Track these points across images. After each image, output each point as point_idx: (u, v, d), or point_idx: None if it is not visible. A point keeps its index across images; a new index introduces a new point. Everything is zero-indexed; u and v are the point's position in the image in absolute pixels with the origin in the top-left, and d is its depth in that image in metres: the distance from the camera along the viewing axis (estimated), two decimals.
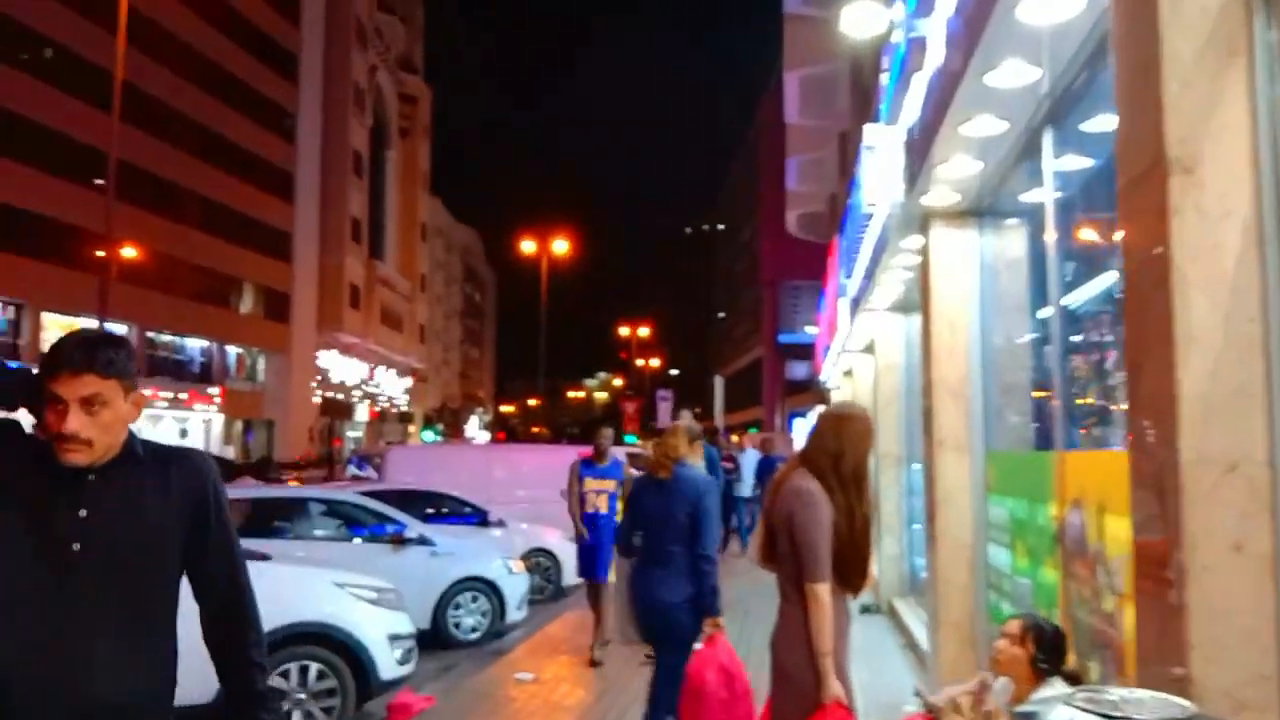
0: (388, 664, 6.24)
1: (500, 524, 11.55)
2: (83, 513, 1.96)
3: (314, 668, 6.03)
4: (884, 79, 7.28)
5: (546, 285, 43.20)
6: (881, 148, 6.88)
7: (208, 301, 43.73)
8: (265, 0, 48.15)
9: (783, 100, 22.82)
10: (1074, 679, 3.24)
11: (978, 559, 6.02)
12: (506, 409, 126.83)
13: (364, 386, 62.11)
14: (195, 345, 44.47)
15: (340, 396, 57.95)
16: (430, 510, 11.34)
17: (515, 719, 6.19)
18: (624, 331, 71.93)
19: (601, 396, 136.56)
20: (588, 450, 8.26)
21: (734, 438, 28.42)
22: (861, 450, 3.26)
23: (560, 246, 44.03)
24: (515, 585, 9.46)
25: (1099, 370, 4.57)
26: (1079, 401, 4.63)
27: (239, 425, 47.91)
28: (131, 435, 2.07)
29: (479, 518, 11.62)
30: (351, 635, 6.12)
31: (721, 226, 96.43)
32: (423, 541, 9.04)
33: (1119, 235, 2.91)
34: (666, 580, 4.62)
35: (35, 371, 1.98)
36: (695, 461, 4.97)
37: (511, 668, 7.56)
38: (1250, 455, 2.43)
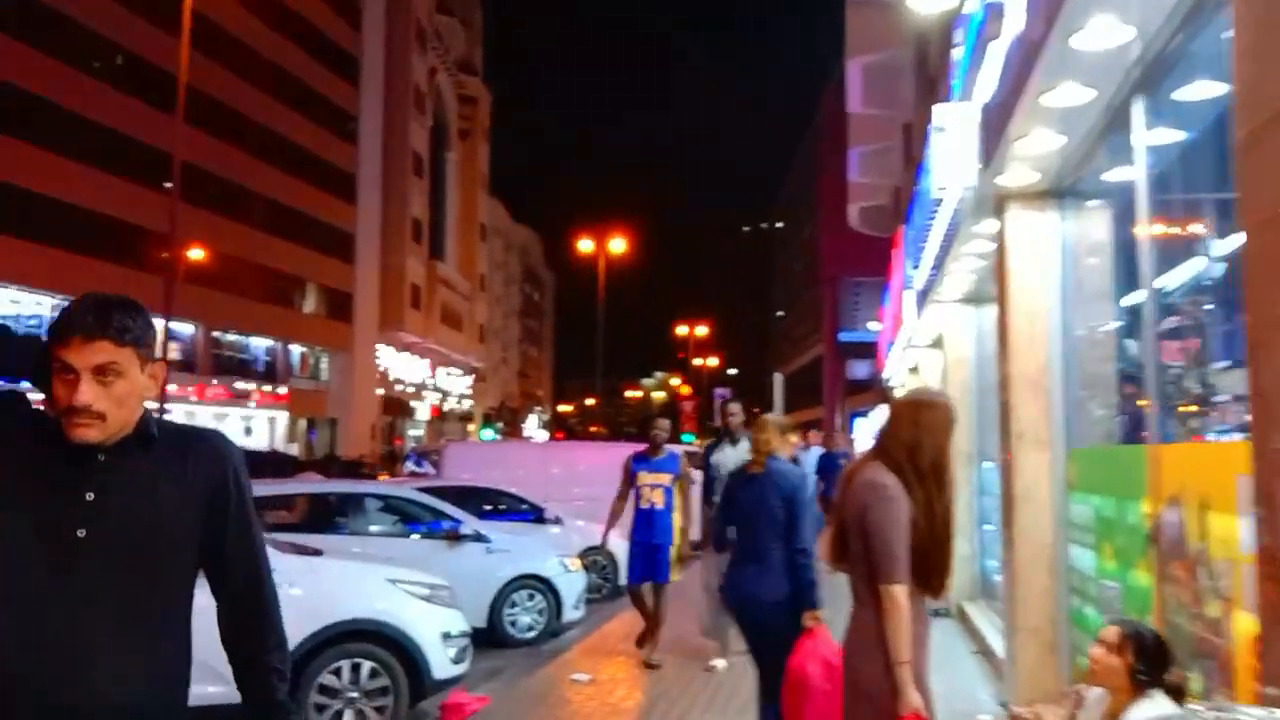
0: (441, 663, 6.10)
1: (557, 521, 11.41)
2: (90, 495, 1.78)
3: (366, 666, 5.91)
4: (956, 54, 6.94)
5: (604, 285, 43.16)
6: (953, 127, 6.55)
7: (272, 301, 44.48)
8: (327, 4, 48.84)
9: (844, 91, 22.40)
10: (1177, 692, 2.95)
11: (1059, 560, 5.68)
12: (565, 408, 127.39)
13: (424, 385, 62.71)
14: (260, 344, 45.26)
15: (401, 395, 58.57)
16: (487, 507, 11.24)
17: None
18: (682, 331, 71.76)
19: (659, 396, 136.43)
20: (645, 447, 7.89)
21: (792, 437, 27.85)
22: (941, 440, 2.99)
23: (618, 246, 43.97)
24: (572, 584, 9.28)
25: (1198, 357, 4.23)
26: (1176, 392, 4.30)
27: (303, 423, 48.65)
28: (147, 413, 1.88)
29: (535, 515, 11.49)
30: (404, 633, 5.99)
31: (780, 224, 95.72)
32: (478, 538, 8.91)
33: (1234, 196, 2.61)
34: (764, 578, 4.55)
35: (43, 339, 1.80)
36: (787, 455, 4.95)
37: (567, 668, 7.37)
38: None
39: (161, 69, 29.96)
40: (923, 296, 10.88)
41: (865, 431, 32.39)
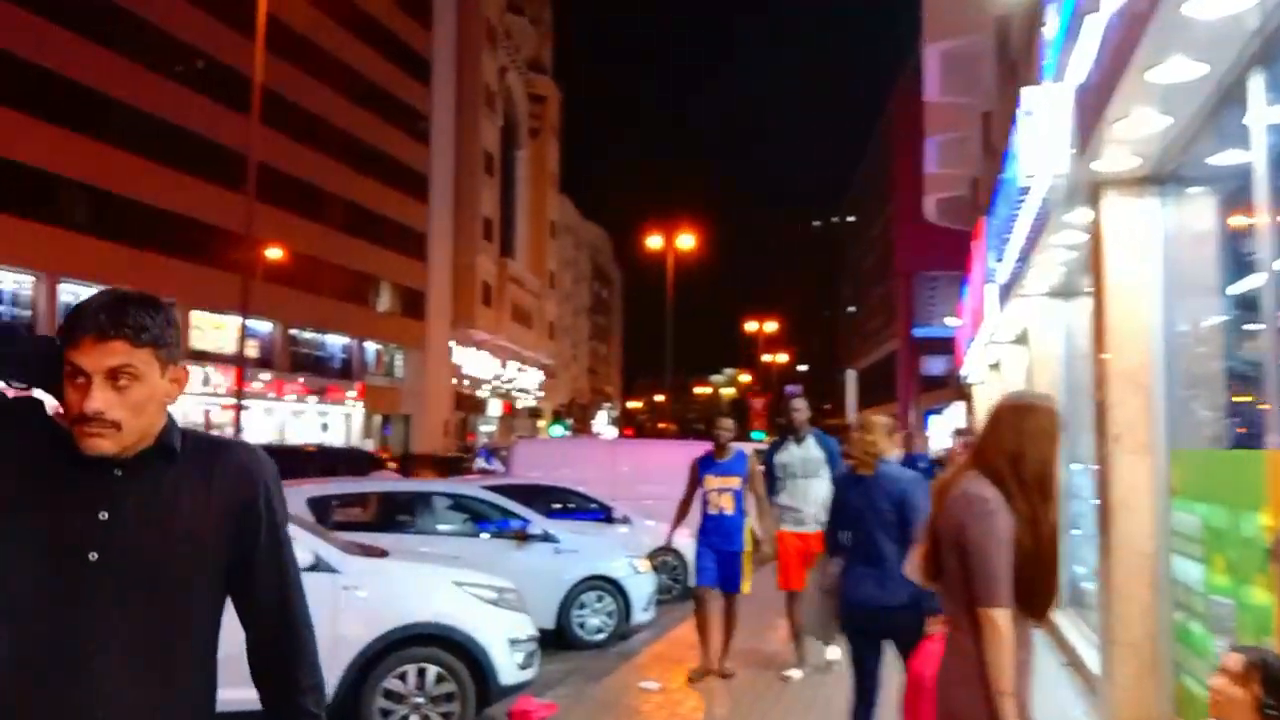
0: (508, 668, 5.96)
1: (626, 521, 11.23)
2: (104, 515, 1.60)
3: (432, 670, 5.79)
4: (1046, 33, 6.57)
5: (673, 281, 42.92)
6: (1042, 111, 6.18)
7: (347, 299, 45.24)
8: (398, 5, 49.47)
9: (919, 81, 21.81)
10: None
11: (1160, 572, 5.30)
12: (634, 405, 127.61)
13: (496, 382, 63.27)
14: (336, 342, 46.08)
15: (473, 392, 59.17)
16: (555, 505, 11.12)
17: None
18: (751, 327, 71.16)
19: (728, 393, 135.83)
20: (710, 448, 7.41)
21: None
22: (1047, 449, 2.72)
23: (686, 242, 43.70)
24: (641, 585, 9.10)
25: None
26: None
27: (378, 419, 49.43)
28: (171, 423, 1.70)
29: (604, 514, 11.34)
30: (471, 638, 5.86)
31: (851, 219, 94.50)
32: (546, 538, 8.78)
33: None
34: (883, 582, 4.41)
35: (57, 340, 1.63)
36: (894, 455, 4.84)
37: (637, 674, 7.18)
38: None
39: (239, 72, 30.58)
40: (1006, 291, 10.44)
41: (940, 430, 31.62)
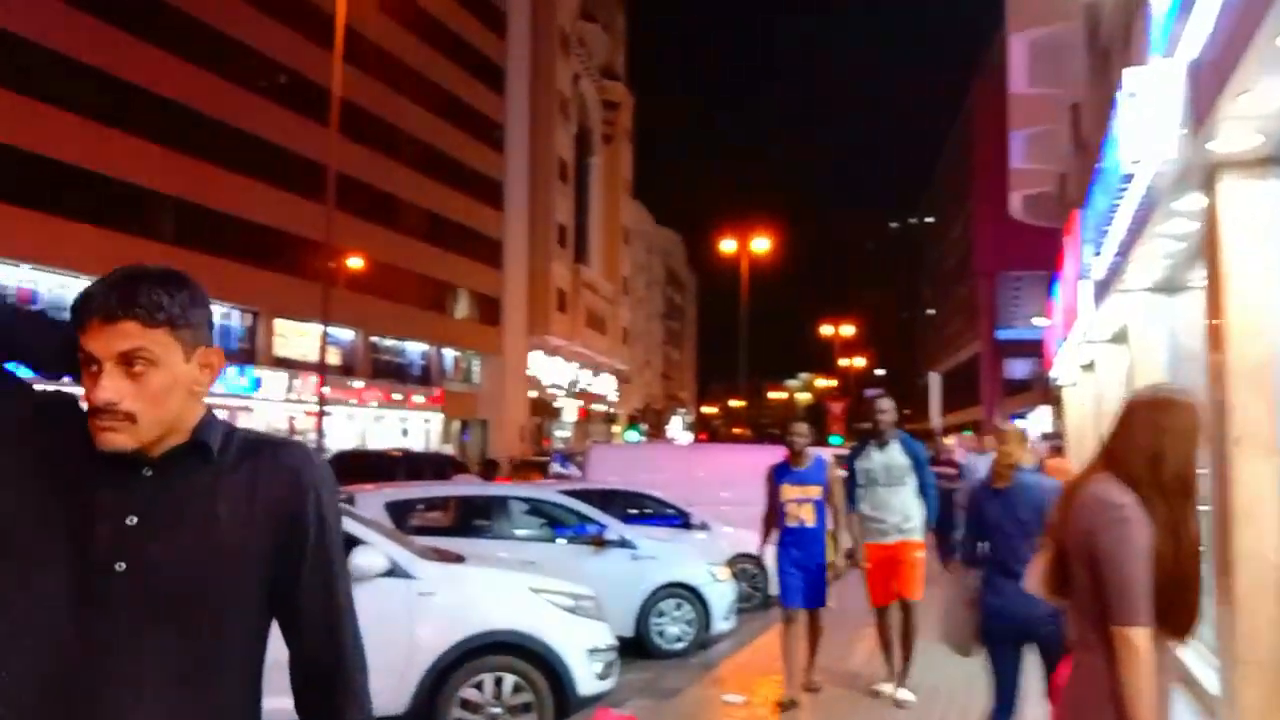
0: (587, 678, 5.79)
1: (704, 527, 10.99)
2: (131, 520, 1.41)
3: (509, 680, 5.65)
4: (1155, 6, 6.16)
5: (747, 285, 42.52)
6: (1149, 90, 5.78)
7: (426, 307, 45.85)
8: (473, 15, 50.06)
9: (1002, 74, 21.12)
10: None
11: None
12: (708, 410, 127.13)
13: (570, 387, 63.55)
14: (415, 349, 46.74)
15: (549, 397, 59.51)
16: (631, 511, 10.93)
17: None
18: (827, 331, 70.26)
19: (804, 397, 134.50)
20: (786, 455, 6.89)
21: (947, 439, 26.74)
22: (1188, 449, 2.42)
23: (760, 246, 43.29)
24: (722, 593, 8.86)
25: None
26: None
27: (456, 425, 49.99)
28: (208, 418, 1.51)
29: (681, 520, 11.11)
30: (549, 647, 5.71)
31: (930, 219, 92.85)
32: (624, 544, 8.61)
33: None
34: (1026, 593, 4.21)
35: None
36: (1028, 463, 4.73)
37: (719, 686, 6.94)
38: None
39: (319, 85, 31.21)
40: (1103, 287, 9.95)
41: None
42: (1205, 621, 6.32)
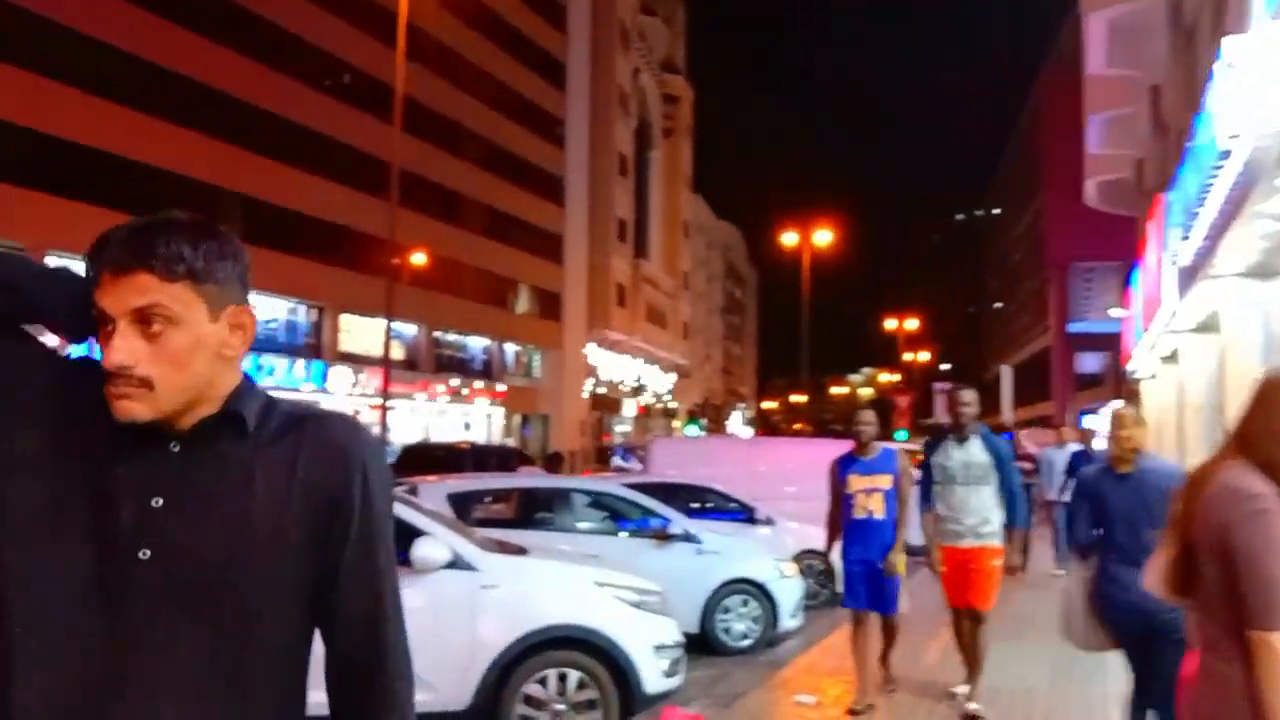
0: (653, 676, 5.62)
1: (769, 522, 10.76)
2: (157, 501, 1.24)
3: (574, 676, 5.51)
4: None
5: (809, 278, 41.99)
6: (1250, 60, 5.43)
7: (487, 301, 46.17)
8: (534, 10, 50.22)
9: (1076, 57, 20.41)
10: None
11: None
12: (768, 405, 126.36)
13: (630, 382, 63.54)
14: (478, 343, 47.10)
15: (608, 392, 59.57)
16: (694, 505, 10.75)
17: None
18: (891, 325, 69.21)
19: (866, 392, 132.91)
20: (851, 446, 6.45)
21: (1019, 433, 26.11)
22: None
23: (822, 239, 42.74)
24: (789, 590, 8.63)
25: None
26: None
27: (517, 419, 50.29)
28: (245, 385, 1.33)
29: (745, 514, 10.89)
30: (614, 642, 5.55)
31: (996, 211, 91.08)
32: (688, 538, 8.43)
33: None
34: None
35: None
36: (1149, 449, 4.54)
37: (789, 686, 6.73)
38: None
39: (382, 82, 31.51)
40: (1189, 274, 9.51)
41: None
42: None
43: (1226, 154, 6.40)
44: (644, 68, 64.95)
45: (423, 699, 5.31)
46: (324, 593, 1.33)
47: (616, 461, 24.42)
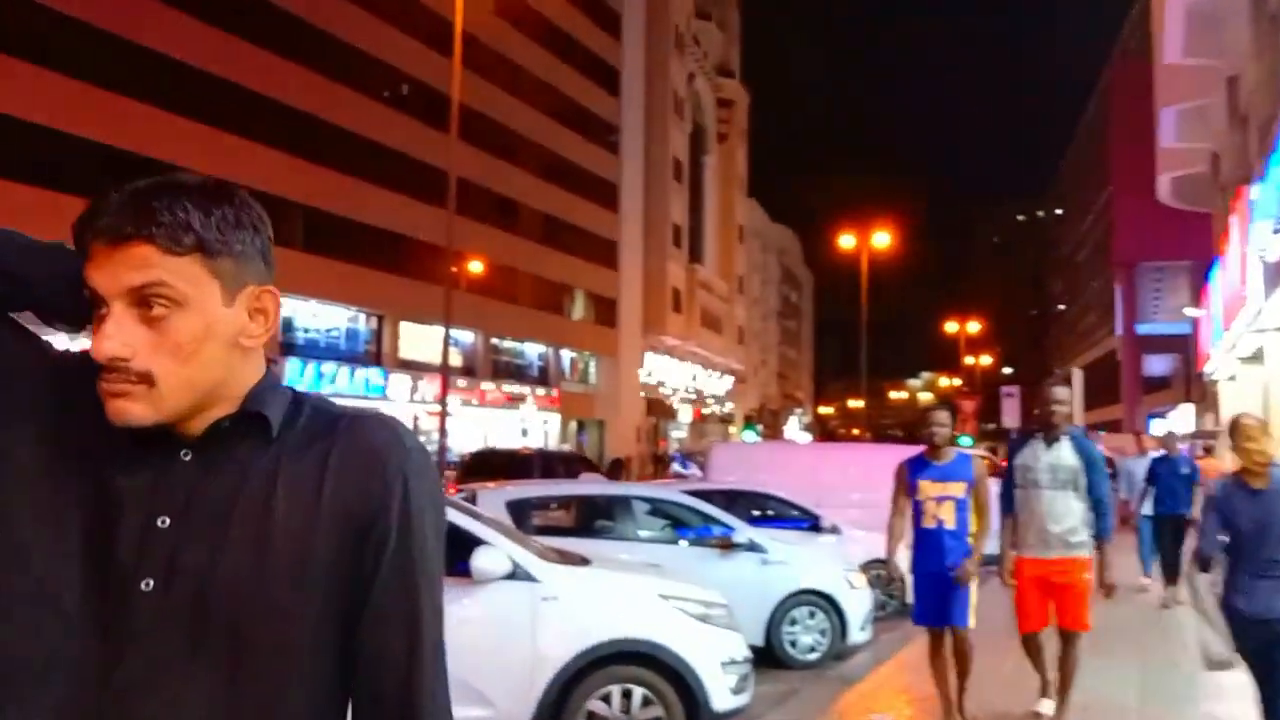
0: (721, 693, 5.39)
1: (834, 530, 10.47)
2: (163, 521, 1.04)
3: (638, 693, 5.30)
4: None
5: (867, 282, 41.37)
6: None
7: (544, 308, 46.31)
8: (588, 17, 50.33)
9: (1148, 49, 19.74)
10: None
11: None
12: (825, 410, 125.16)
13: (687, 388, 63.27)
14: (534, 350, 47.25)
15: (665, 397, 59.37)
16: (755, 512, 10.49)
17: None
18: (952, 328, 68.00)
19: (926, 397, 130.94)
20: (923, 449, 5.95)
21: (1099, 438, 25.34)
22: None
23: (880, 241, 42.08)
24: (858, 601, 8.36)
25: None
26: None
27: (573, 425, 50.34)
28: (268, 380, 1.12)
29: (809, 522, 10.60)
30: (680, 658, 5.33)
31: (1059, 211, 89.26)
32: (752, 547, 8.18)
33: None
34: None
35: None
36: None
37: (863, 702, 6.45)
38: None
39: (439, 91, 31.74)
40: (1277, 269, 9.02)
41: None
42: None
43: None
44: (698, 72, 64.75)
45: (480, 715, 5.16)
46: (357, 616, 1.10)
47: (675, 468, 24.17)
